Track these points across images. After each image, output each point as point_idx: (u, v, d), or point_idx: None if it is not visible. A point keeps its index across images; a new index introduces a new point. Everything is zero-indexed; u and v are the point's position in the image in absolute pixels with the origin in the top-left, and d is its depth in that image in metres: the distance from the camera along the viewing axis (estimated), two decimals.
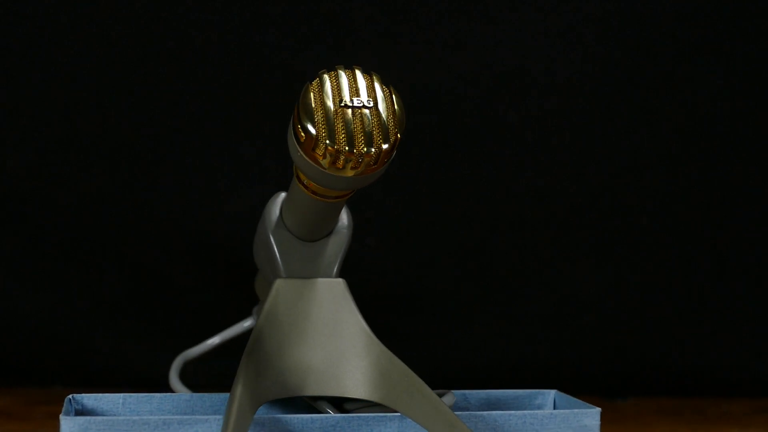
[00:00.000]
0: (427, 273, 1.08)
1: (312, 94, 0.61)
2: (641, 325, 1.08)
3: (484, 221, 1.06)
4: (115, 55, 1.03)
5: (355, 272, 1.07)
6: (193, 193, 1.04)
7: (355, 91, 0.61)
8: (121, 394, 0.64)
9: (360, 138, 0.60)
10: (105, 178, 1.05)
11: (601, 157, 1.05)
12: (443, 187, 1.06)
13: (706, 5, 1.03)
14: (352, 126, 0.61)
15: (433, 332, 1.08)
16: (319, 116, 0.60)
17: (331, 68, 0.62)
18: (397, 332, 1.08)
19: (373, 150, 0.60)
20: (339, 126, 0.60)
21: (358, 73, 0.62)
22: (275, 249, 0.68)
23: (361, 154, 0.60)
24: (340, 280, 0.69)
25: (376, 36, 1.03)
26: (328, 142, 0.60)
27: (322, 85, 0.61)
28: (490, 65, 1.03)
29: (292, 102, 1.13)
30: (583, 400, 0.68)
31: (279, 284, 0.67)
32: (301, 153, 0.60)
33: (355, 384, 0.67)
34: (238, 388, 0.62)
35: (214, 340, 0.83)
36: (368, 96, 0.61)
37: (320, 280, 0.68)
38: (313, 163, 0.60)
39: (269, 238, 0.68)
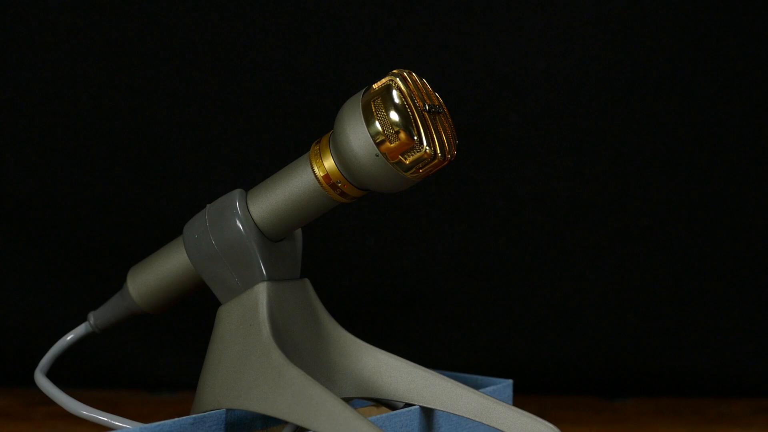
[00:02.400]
0: (427, 273, 1.08)
1: (400, 98, 0.60)
2: (641, 325, 1.08)
3: (484, 221, 1.06)
4: (115, 55, 1.03)
5: (355, 272, 1.07)
6: (193, 193, 1.04)
7: (425, 96, 0.61)
8: None
9: (445, 143, 0.61)
10: (105, 178, 1.05)
11: (601, 157, 1.05)
12: (443, 187, 1.06)
13: (706, 5, 1.03)
14: (439, 131, 0.61)
15: (432, 332, 1.08)
16: (415, 121, 0.60)
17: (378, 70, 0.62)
18: (397, 332, 1.08)
19: (450, 154, 0.61)
20: (432, 131, 0.61)
21: (415, 78, 0.62)
22: (255, 250, 0.64)
23: (444, 159, 0.60)
24: (306, 279, 0.68)
25: (376, 36, 1.03)
26: (426, 147, 0.60)
27: (400, 89, 0.60)
28: (490, 65, 1.03)
29: (293, 102, 1.14)
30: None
31: (268, 287, 0.64)
32: (382, 155, 0.60)
33: (361, 384, 0.67)
34: (323, 390, 0.59)
35: (64, 341, 0.78)
36: (435, 101, 0.62)
37: (297, 281, 0.67)
38: (393, 166, 0.60)
39: (246, 238, 0.64)
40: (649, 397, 1.08)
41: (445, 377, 0.66)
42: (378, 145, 0.60)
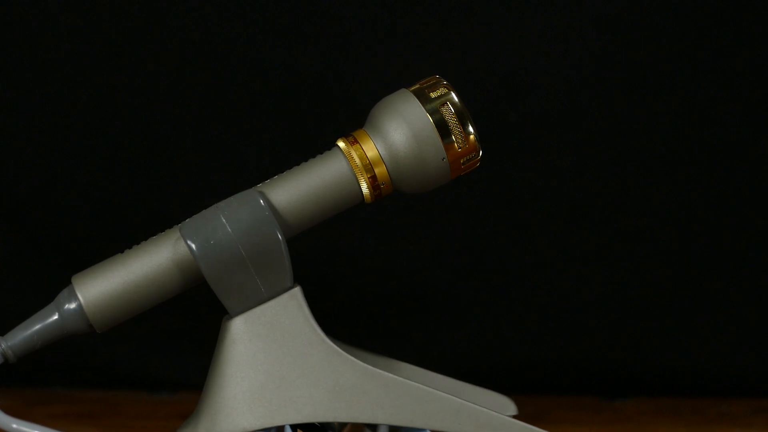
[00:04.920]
0: (427, 273, 1.08)
1: (462, 104, 0.62)
2: (641, 325, 1.08)
3: (484, 221, 1.06)
4: (115, 55, 1.03)
5: (355, 272, 1.07)
6: (193, 193, 1.04)
7: None
8: None
9: None
10: (105, 178, 1.05)
11: (601, 157, 1.05)
12: (443, 186, 1.06)
13: (706, 5, 1.03)
14: None
15: (432, 332, 1.08)
16: (474, 127, 0.62)
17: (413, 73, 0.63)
18: (397, 332, 1.08)
19: None
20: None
21: None
22: (286, 254, 0.62)
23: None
24: None
25: (376, 36, 1.03)
26: (479, 150, 0.62)
27: (457, 95, 0.62)
28: (490, 65, 1.03)
29: (293, 102, 1.14)
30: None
31: (300, 292, 0.62)
32: (447, 158, 0.61)
33: None
34: (419, 385, 0.60)
35: None
36: None
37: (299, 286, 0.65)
38: (449, 169, 0.62)
39: (281, 243, 0.61)
40: (649, 397, 1.07)
41: (409, 364, 0.65)
42: (447, 150, 0.61)
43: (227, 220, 0.61)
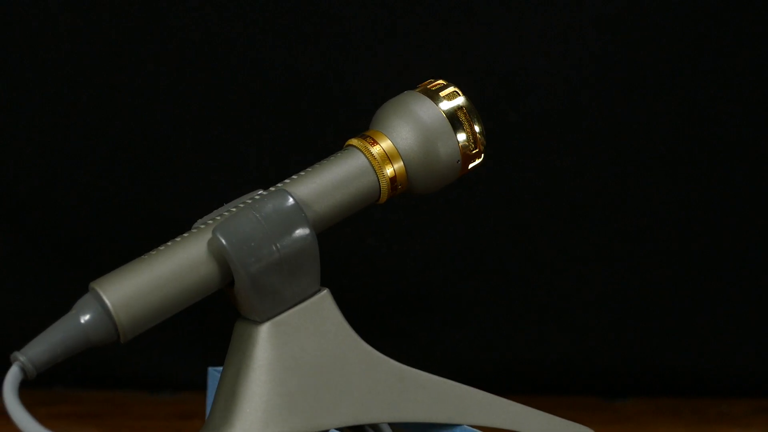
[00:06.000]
0: (427, 273, 1.08)
1: (471, 106, 0.64)
2: (641, 325, 1.08)
3: (484, 221, 1.06)
4: (115, 55, 1.03)
5: (355, 272, 1.07)
6: (193, 193, 1.04)
7: None
8: None
9: None
10: (105, 178, 1.05)
11: (601, 157, 1.05)
12: (443, 186, 1.06)
13: (706, 5, 1.03)
14: None
15: (433, 332, 1.08)
16: (482, 128, 0.63)
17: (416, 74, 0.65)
18: (398, 332, 1.08)
19: None
20: None
21: None
22: (318, 255, 0.60)
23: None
24: None
25: (376, 36, 1.03)
26: (483, 151, 0.63)
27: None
28: (490, 65, 1.03)
29: (293, 102, 1.13)
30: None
31: (330, 294, 0.61)
32: (461, 159, 0.63)
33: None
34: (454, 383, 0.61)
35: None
36: None
37: None
38: (460, 168, 0.63)
39: (316, 245, 0.60)
40: (649, 397, 1.08)
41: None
42: (462, 152, 0.63)
43: (265, 222, 0.59)
